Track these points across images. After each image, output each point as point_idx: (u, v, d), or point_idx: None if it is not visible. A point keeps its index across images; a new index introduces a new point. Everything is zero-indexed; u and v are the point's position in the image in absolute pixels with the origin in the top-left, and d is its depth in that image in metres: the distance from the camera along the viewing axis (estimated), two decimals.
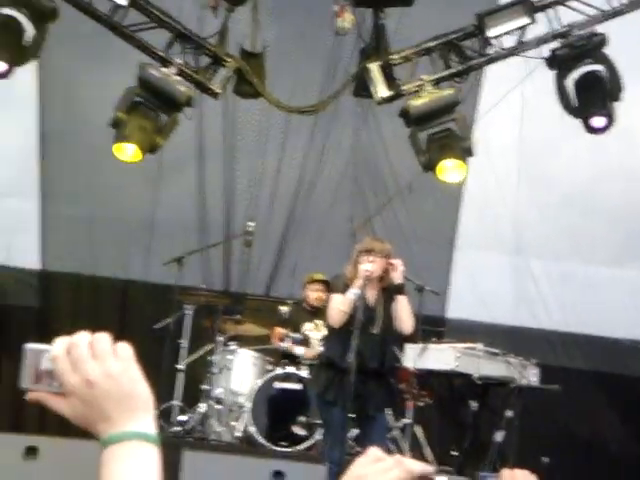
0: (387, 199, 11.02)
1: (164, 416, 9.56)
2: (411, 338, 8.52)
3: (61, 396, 1.83)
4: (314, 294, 9.90)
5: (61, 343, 1.84)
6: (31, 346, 1.85)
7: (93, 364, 1.82)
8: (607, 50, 9.07)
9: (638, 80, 9.25)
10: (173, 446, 8.20)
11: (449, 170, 9.28)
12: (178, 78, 9.25)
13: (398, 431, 9.39)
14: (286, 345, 9.70)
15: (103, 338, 1.85)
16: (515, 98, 10.19)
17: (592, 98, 9.07)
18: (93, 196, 10.97)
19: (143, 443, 1.83)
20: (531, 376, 9.11)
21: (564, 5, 9.32)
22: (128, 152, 9.01)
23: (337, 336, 7.53)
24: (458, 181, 9.66)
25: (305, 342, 9.67)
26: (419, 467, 1.83)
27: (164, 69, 9.20)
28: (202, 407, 9.47)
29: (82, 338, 1.84)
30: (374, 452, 1.89)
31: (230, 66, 9.77)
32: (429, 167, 9.39)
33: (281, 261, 11.35)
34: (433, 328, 9.98)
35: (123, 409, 1.82)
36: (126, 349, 1.85)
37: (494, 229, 11.19)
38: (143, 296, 11.01)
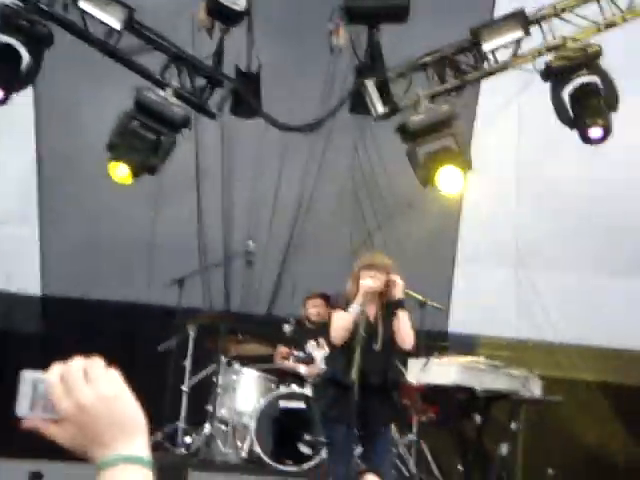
0: (387, 216, 11.07)
1: (169, 438, 9.56)
2: (414, 353, 8.55)
3: (56, 422, 1.84)
4: (314, 310, 9.92)
5: (56, 370, 1.85)
6: (27, 373, 1.86)
7: (86, 389, 1.83)
8: (602, 61, 9.13)
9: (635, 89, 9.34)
10: (179, 468, 8.25)
11: (448, 180, 9.34)
12: (175, 100, 9.32)
13: (403, 447, 9.41)
14: (290, 364, 9.73)
15: (96, 363, 1.86)
16: (512, 111, 10.28)
17: (588, 109, 9.17)
18: (93, 220, 10.98)
19: (137, 467, 1.83)
20: (534, 388, 9.01)
21: (559, 17, 9.39)
22: (120, 173, 9.12)
23: (339, 353, 7.50)
24: (457, 192, 9.73)
25: (309, 360, 9.69)
26: None
27: (160, 91, 9.30)
28: (207, 428, 9.47)
29: (76, 364, 1.85)
30: None
31: (226, 87, 9.84)
32: (428, 182, 9.45)
33: (282, 280, 11.35)
34: (436, 343, 10.00)
35: (117, 433, 1.83)
36: (117, 374, 1.86)
37: (495, 242, 11.23)
38: (146, 318, 10.95)
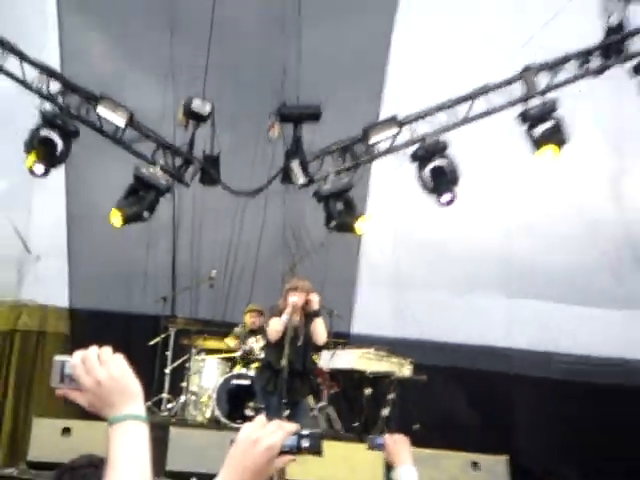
0: (306, 252, 11.14)
1: (157, 405, 9.56)
2: (325, 347, 8.70)
3: (79, 392, 1.86)
4: (251, 320, 9.99)
5: (78, 355, 1.87)
6: (58, 357, 1.88)
7: (100, 369, 1.84)
8: (450, 149, 9.41)
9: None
10: (163, 426, 8.23)
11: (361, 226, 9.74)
12: (161, 174, 9.54)
13: (317, 411, 9.46)
14: (239, 353, 9.74)
15: (106, 351, 1.88)
16: (393, 182, 10.59)
17: (440, 182, 9.42)
18: (103, 255, 10.92)
19: (137, 422, 1.85)
20: (406, 371, 9.34)
21: (422, 119, 9.80)
22: (115, 219, 9.35)
23: (273, 347, 7.72)
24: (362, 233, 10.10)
25: (250, 351, 9.71)
26: (293, 427, 1.86)
27: (151, 168, 9.52)
28: (182, 398, 9.52)
29: (92, 351, 1.87)
30: (260, 419, 1.85)
31: (196, 164, 10.14)
32: (340, 228, 9.83)
33: (234, 297, 11.36)
34: (341, 340, 10.15)
35: (122, 399, 1.85)
36: (121, 357, 1.88)
37: (379, 270, 11.51)
38: (140, 323, 10.87)
